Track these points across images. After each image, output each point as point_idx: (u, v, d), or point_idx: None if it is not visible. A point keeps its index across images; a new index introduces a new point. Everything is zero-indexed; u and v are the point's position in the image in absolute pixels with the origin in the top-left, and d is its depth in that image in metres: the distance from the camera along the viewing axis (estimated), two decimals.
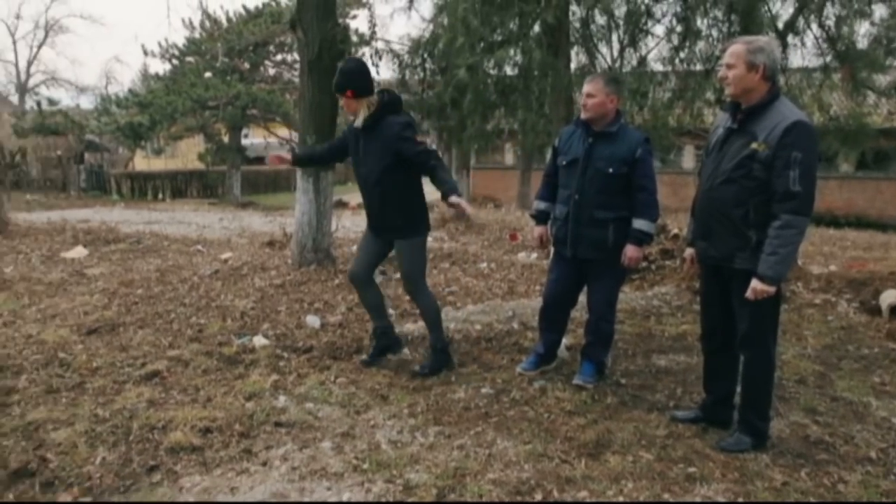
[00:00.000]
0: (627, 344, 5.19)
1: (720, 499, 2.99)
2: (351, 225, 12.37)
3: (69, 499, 2.88)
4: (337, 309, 5.72)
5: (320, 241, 7.04)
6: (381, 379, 4.32)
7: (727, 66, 3.24)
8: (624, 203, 4.07)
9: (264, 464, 3.21)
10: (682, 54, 6.57)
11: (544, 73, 5.71)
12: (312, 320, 5.35)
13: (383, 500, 2.91)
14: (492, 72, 6.71)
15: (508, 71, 6.84)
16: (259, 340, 4.90)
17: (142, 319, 5.49)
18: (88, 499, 2.90)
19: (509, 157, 25.16)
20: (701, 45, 6.44)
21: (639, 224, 4.03)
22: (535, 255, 9.62)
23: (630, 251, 4.06)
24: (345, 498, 2.90)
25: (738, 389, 3.61)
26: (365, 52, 7.22)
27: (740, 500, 2.98)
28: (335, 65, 6.79)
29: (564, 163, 4.22)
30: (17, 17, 68.86)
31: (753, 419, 3.49)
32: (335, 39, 6.59)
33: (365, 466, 3.18)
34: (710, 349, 3.71)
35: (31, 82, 46.76)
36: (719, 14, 6.24)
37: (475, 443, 3.49)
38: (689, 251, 3.76)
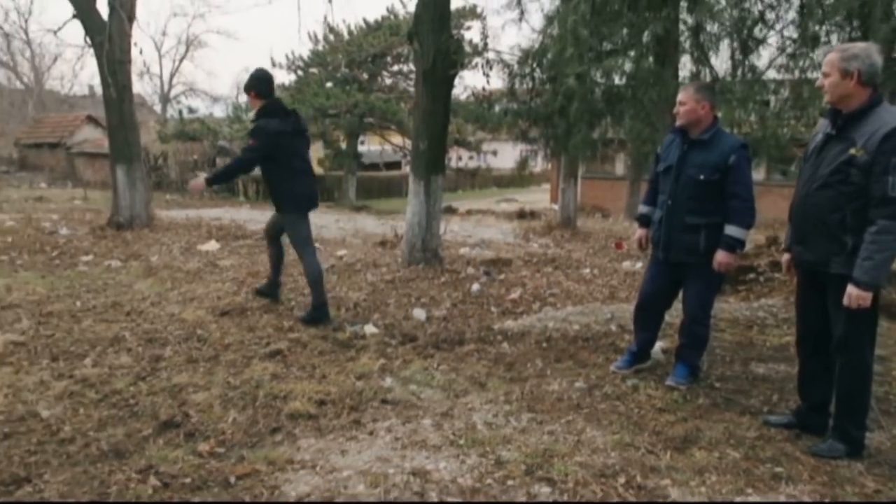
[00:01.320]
0: (726, 351, 5.19)
1: (806, 499, 3.04)
2: (459, 229, 12.79)
3: (207, 448, 3.34)
4: (442, 304, 6.06)
5: (429, 242, 7.43)
6: (481, 368, 4.60)
7: (823, 75, 3.30)
8: (716, 209, 4.14)
9: (371, 433, 3.56)
10: (799, 62, 6.44)
11: (652, 83, 5.81)
12: (419, 313, 5.72)
13: (475, 471, 3.17)
14: (599, 81, 6.86)
15: (616, 80, 6.96)
16: (369, 329, 5.31)
17: (266, 305, 6.06)
18: (222, 449, 3.36)
19: (619, 167, 24.80)
20: (819, 52, 6.29)
21: (731, 230, 4.09)
22: (639, 264, 9.61)
23: (720, 256, 4.12)
24: (441, 466, 3.20)
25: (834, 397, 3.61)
26: (477, 63, 7.54)
27: (827, 500, 3.02)
28: (449, 75, 7.21)
29: (662, 169, 4.36)
30: (164, 34, 75.18)
31: (848, 426, 3.47)
32: (449, 51, 6.97)
33: (461, 442, 3.47)
34: (806, 354, 3.73)
35: (173, 93, 50.92)
36: (839, 19, 6.09)
37: (565, 430, 3.69)
38: (785, 256, 3.79)
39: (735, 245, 4.12)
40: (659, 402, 4.12)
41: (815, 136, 3.53)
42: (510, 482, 3.08)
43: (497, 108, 8.51)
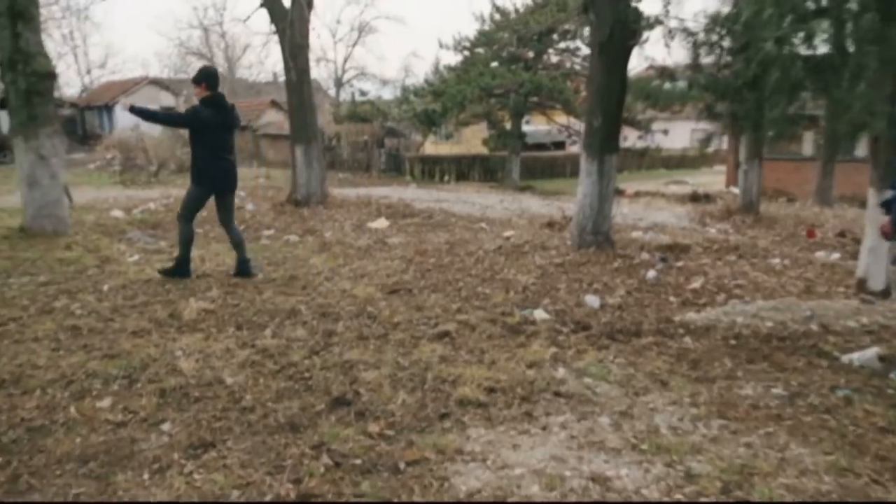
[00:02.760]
0: None
1: None
2: (628, 212, 12.16)
3: (377, 429, 3.29)
4: (616, 291, 5.69)
5: (600, 224, 7.04)
6: (661, 364, 4.21)
7: None
8: None
9: (544, 428, 3.34)
10: None
11: (871, 43, 4.97)
12: (591, 300, 5.39)
13: (662, 483, 2.85)
14: (800, 47, 6.03)
15: (819, 47, 6.10)
16: (539, 314, 5.08)
17: (434, 285, 6.03)
18: (392, 432, 3.29)
19: (807, 147, 22.46)
20: None
21: None
22: (836, 254, 8.56)
23: None
24: (622, 473, 2.90)
25: None
26: (654, 34, 6.96)
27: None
28: (627, 46, 6.72)
29: None
30: (338, 21, 79.04)
31: None
32: (627, 20, 6.48)
33: (644, 447, 3.15)
34: None
35: (346, 77, 53.48)
36: None
37: (764, 443, 3.24)
38: None
39: None
40: (880, 419, 3.51)
41: None
42: (703, 500, 2.72)
43: (679, 83, 7.84)
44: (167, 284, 6.14)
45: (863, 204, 19.70)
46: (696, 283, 6.10)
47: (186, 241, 6.46)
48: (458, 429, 3.34)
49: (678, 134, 35.60)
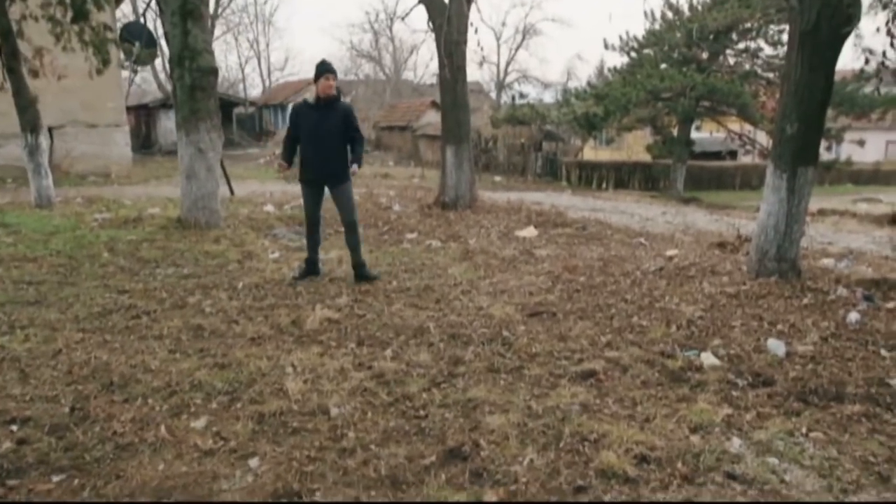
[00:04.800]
0: None
1: None
2: (814, 233, 10.56)
3: (494, 498, 2.65)
4: (807, 336, 4.61)
5: (786, 250, 5.90)
6: (876, 447, 3.18)
7: None
8: None
9: None
10: None
11: None
12: (775, 345, 4.38)
13: None
14: None
15: None
16: (708, 358, 4.17)
17: (582, 309, 5.27)
18: (512, 500, 2.64)
19: None
20: None
21: None
22: None
23: None
24: None
25: None
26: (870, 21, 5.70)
27: None
28: (839, 34, 5.55)
29: None
30: (503, 24, 79.10)
31: None
32: (841, 2, 5.32)
33: None
34: None
35: (507, 80, 53.26)
36: None
37: None
38: None
39: None
40: None
41: None
42: None
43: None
44: (298, 287, 5.90)
45: None
46: None
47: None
48: None
49: (871, 145, 31.63)
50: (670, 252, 7.54)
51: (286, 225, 9.38)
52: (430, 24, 10.79)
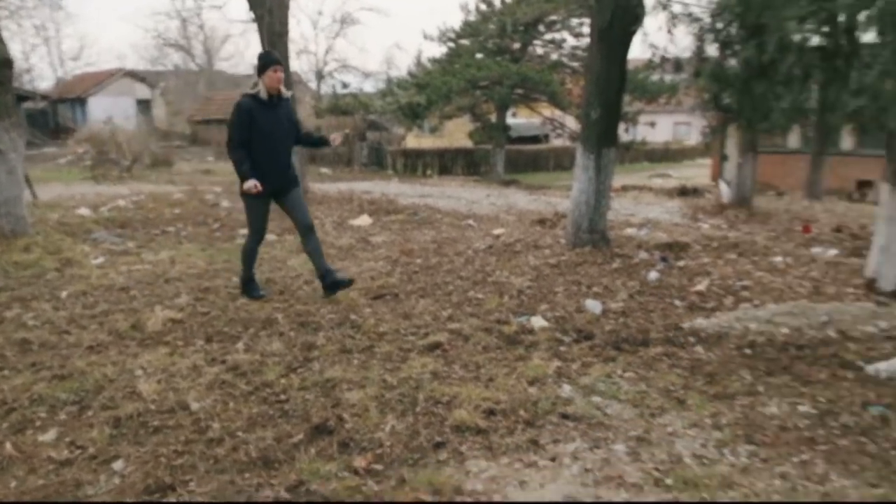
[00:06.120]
0: None
1: None
2: (619, 207, 11.80)
3: (363, 463, 2.87)
4: (617, 295, 5.30)
5: (597, 222, 6.66)
6: (675, 379, 3.82)
7: None
8: None
9: (553, 459, 2.94)
10: None
11: (894, 28, 4.60)
12: (593, 305, 5.00)
13: None
14: (810, 34, 5.66)
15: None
16: (538, 321, 4.67)
17: (422, 289, 5.60)
18: (380, 466, 2.88)
19: (793, 140, 22.35)
20: None
21: None
22: (833, 250, 8.25)
23: None
24: None
25: None
26: (654, 20, 6.55)
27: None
28: (629, 32, 6.32)
29: None
30: (319, 13, 77.96)
31: None
32: (629, 4, 6.08)
33: (668, 481, 2.76)
34: None
35: (327, 69, 52.71)
36: None
37: (801, 473, 2.87)
38: None
39: None
40: None
41: None
42: None
43: (681, 74, 7.43)
44: (132, 291, 5.66)
45: (849, 197, 19.53)
46: (701, 285, 5.73)
47: None
48: (455, 461, 2.93)
49: (661, 127, 35.45)
50: (497, 231, 8.13)
51: (105, 228, 8.82)
52: (252, 14, 10.58)
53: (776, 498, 2.66)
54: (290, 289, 5.75)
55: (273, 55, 5.33)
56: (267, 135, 5.14)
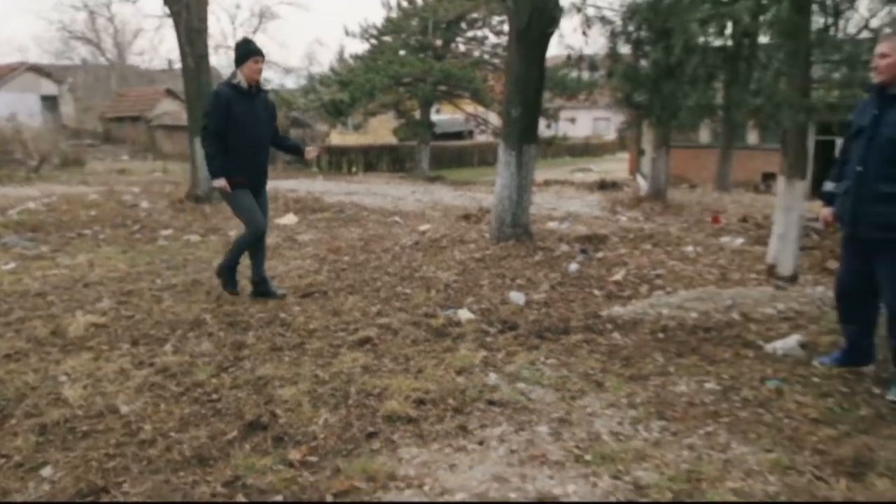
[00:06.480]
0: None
1: None
2: (541, 201, 12.16)
3: (298, 456, 2.95)
4: (540, 286, 5.53)
5: (520, 216, 6.89)
6: (594, 363, 4.06)
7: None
8: None
9: (481, 443, 3.10)
10: None
11: (788, 35, 5.00)
12: (517, 296, 5.21)
13: (611, 498, 2.67)
14: (714, 36, 6.06)
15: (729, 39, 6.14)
16: (464, 314, 4.84)
17: (350, 286, 5.68)
18: (315, 458, 2.96)
19: (704, 135, 23.51)
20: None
21: None
22: (740, 239, 8.82)
23: None
24: (570, 490, 2.70)
25: None
26: (571, 22, 6.85)
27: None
28: (546, 34, 6.57)
29: (852, 133, 3.74)
30: (238, 6, 75.91)
31: None
32: (546, 7, 6.32)
33: (587, 458, 2.96)
34: None
35: None
36: None
37: (706, 444, 3.13)
38: None
39: None
40: (812, 410, 3.49)
41: None
42: None
43: (597, 73, 7.76)
44: (49, 296, 5.49)
45: (755, 188, 20.65)
46: (618, 275, 6.05)
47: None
48: (388, 450, 3.05)
49: (581, 122, 36.51)
50: (423, 227, 8.28)
51: (15, 232, 8.45)
52: (167, 9, 10.31)
53: (684, 468, 2.91)
54: (216, 289, 5.71)
55: (253, 45, 5.14)
56: (244, 126, 5.00)
